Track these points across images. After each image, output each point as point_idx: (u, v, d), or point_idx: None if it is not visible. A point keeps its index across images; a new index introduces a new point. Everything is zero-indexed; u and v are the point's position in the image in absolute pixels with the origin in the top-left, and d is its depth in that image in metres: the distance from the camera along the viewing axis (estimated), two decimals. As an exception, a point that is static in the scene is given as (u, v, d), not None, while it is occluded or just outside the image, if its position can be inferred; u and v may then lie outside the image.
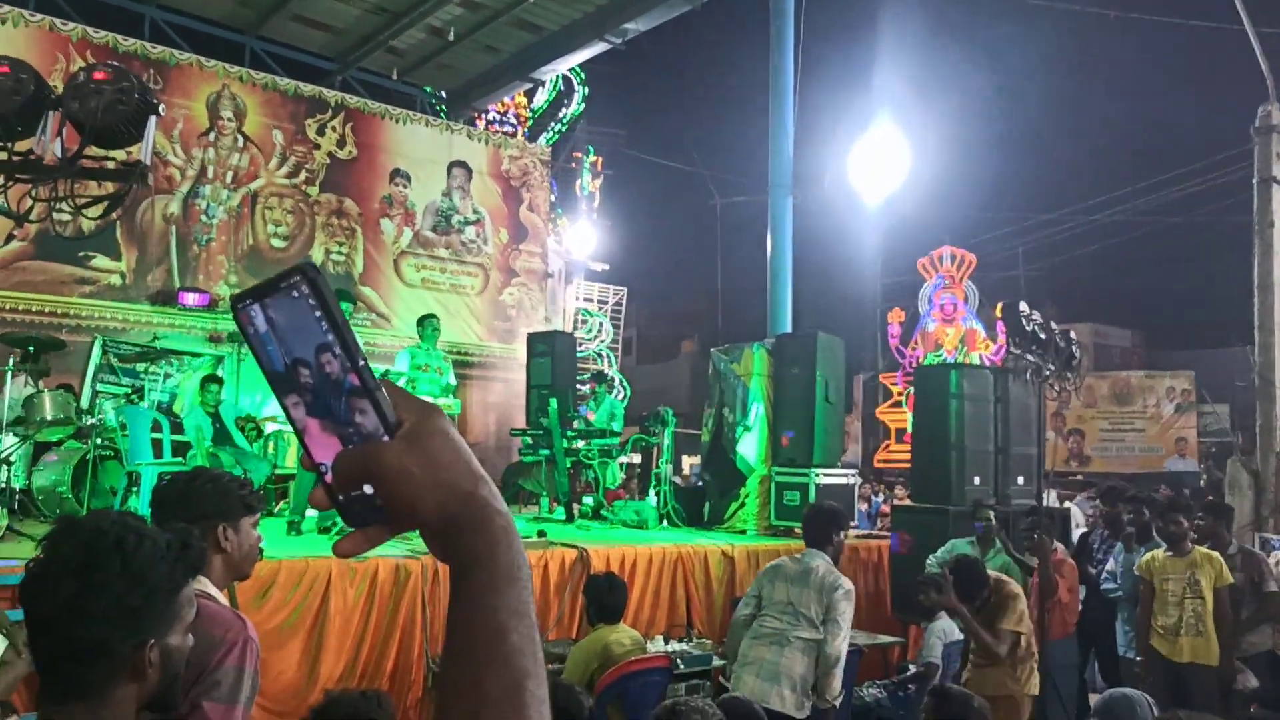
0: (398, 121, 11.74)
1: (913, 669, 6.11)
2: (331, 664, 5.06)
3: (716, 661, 5.40)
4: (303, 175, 10.92)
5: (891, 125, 12.22)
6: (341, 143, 11.20)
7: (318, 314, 0.65)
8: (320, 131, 11.06)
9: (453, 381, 7.75)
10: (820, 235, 18.78)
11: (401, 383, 6.99)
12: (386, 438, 0.67)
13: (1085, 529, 7.55)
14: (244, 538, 2.24)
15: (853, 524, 8.53)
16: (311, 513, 7.08)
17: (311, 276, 0.64)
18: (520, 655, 0.66)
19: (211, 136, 10.42)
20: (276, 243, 10.69)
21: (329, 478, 0.68)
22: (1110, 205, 20.68)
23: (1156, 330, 28.47)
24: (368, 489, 0.67)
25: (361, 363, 0.66)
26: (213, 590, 2.14)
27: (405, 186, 11.70)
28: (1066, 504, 9.37)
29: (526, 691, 0.65)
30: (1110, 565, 6.31)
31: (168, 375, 9.59)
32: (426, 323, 7.79)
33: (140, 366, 8.85)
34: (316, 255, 10.93)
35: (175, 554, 1.35)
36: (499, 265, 12.38)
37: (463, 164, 12.19)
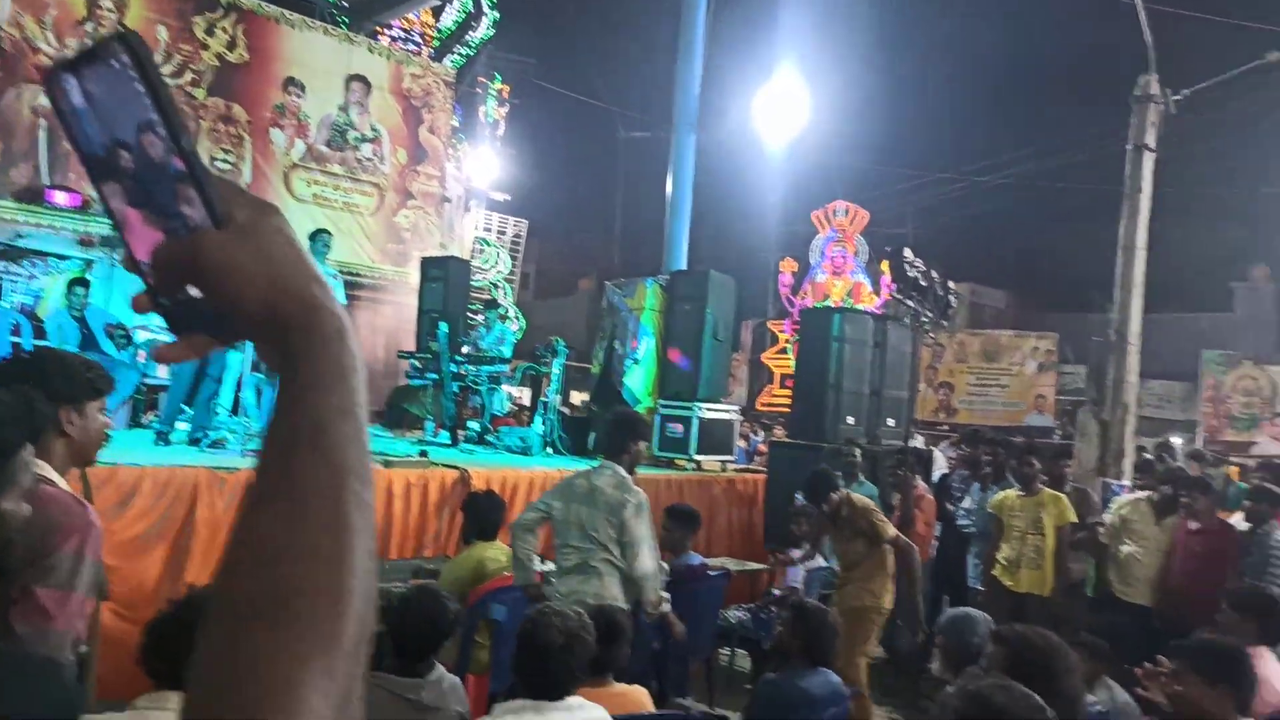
0: (294, 28, 11.19)
1: (777, 593, 6.42)
2: (196, 574, 4.94)
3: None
4: (188, 76, 10.32)
5: (796, 73, 12.34)
6: (232, 45, 10.62)
7: (140, 87, 0.57)
8: (209, 31, 10.45)
9: (341, 299, 7.57)
10: (721, 179, 18.93)
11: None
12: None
13: (947, 471, 8.00)
14: (89, 422, 2.12)
15: (730, 459, 8.81)
16: (182, 425, 6.88)
17: (133, 45, 0.56)
18: (341, 451, 0.58)
19: (89, 27, 9.72)
20: (155, 144, 10.12)
21: (150, 278, 0.60)
22: (995, 169, 21.49)
23: (1028, 292, 29.96)
24: (194, 291, 0.60)
25: (187, 144, 0.58)
26: (53, 475, 2.04)
27: (299, 97, 11.21)
28: (932, 448, 9.88)
29: (348, 489, 0.57)
30: (966, 503, 6.71)
31: (32, 277, 9.06)
32: (318, 238, 7.57)
33: (-1, 265, 8.33)
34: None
35: (16, 414, 1.30)
36: (395, 186, 12.05)
37: (362, 78, 11.73)
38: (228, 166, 10.57)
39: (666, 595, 4.12)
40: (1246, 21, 9.15)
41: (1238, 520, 6.13)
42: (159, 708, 2.28)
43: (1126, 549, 6.02)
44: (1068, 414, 22.67)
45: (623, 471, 4.09)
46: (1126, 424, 7.95)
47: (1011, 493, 6.23)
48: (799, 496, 6.98)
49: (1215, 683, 2.86)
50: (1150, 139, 8.06)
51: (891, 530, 5.28)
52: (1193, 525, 5.88)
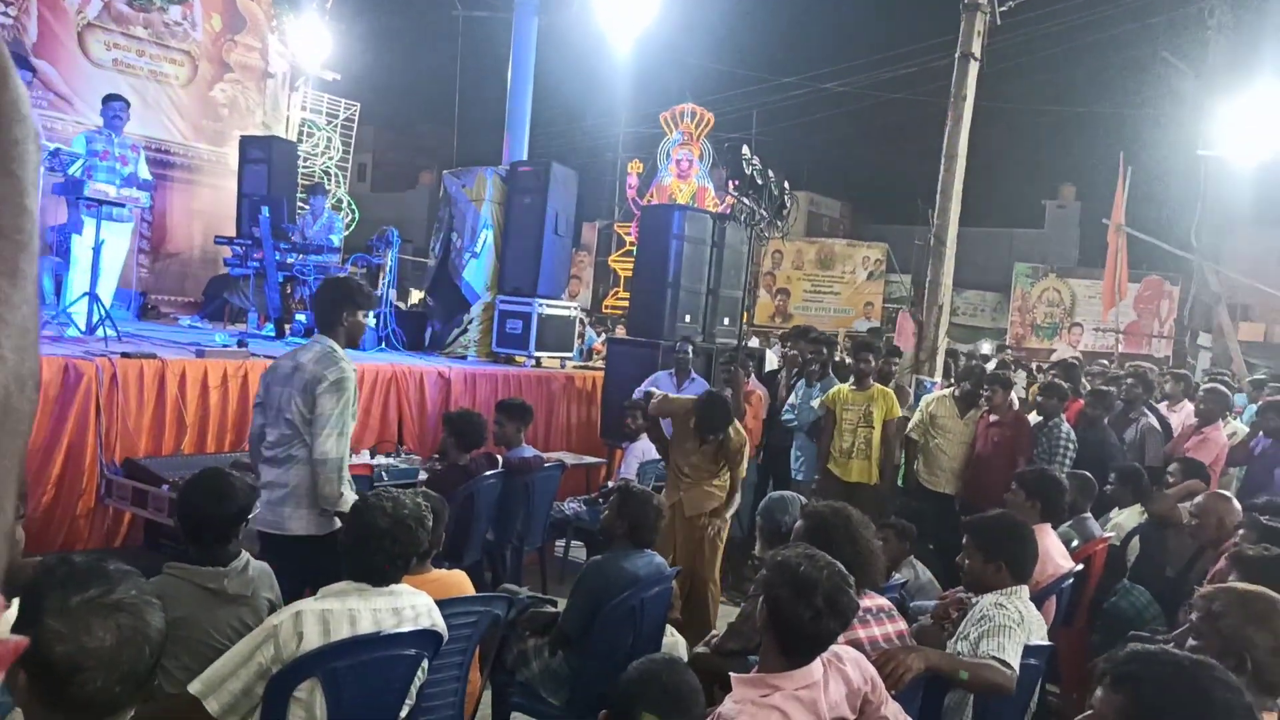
0: None
1: (611, 485, 6.52)
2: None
3: (422, 475, 5.45)
4: (-49, -91, 8.95)
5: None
6: (6, -123, 9.25)
7: None
8: None
9: (145, 174, 6.90)
10: (565, 72, 18.41)
11: (77, 165, 6.15)
12: None
13: (775, 368, 8.28)
14: None
15: (569, 355, 8.79)
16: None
17: None
18: None
19: None
20: (-85, -10, 8.80)
21: None
22: (835, 78, 21.90)
23: (861, 204, 31.16)
24: None
25: None
26: None
27: (93, -54, 9.95)
28: (765, 347, 10.20)
29: None
30: (791, 399, 6.97)
31: None
32: (108, 105, 6.85)
33: None
34: (-28, 14, 9.13)
35: None
36: (209, 56, 10.99)
37: (167, -70, 10.53)
38: (8, 20, 9.32)
39: (350, 492, 3.54)
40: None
41: (1031, 416, 6.65)
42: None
43: (934, 441, 6.45)
44: (892, 320, 23.99)
45: (332, 344, 3.61)
46: (941, 325, 8.44)
47: (845, 387, 6.53)
48: (639, 391, 7.08)
49: (991, 559, 3.10)
50: (976, 48, 8.36)
51: (744, 460, 5.32)
52: (992, 418, 6.34)
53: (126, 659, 1.36)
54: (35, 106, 9.33)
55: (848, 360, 7.73)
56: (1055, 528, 4.37)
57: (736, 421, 5.37)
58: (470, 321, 8.50)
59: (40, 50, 9.59)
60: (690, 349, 7.05)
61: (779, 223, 6.93)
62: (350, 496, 3.51)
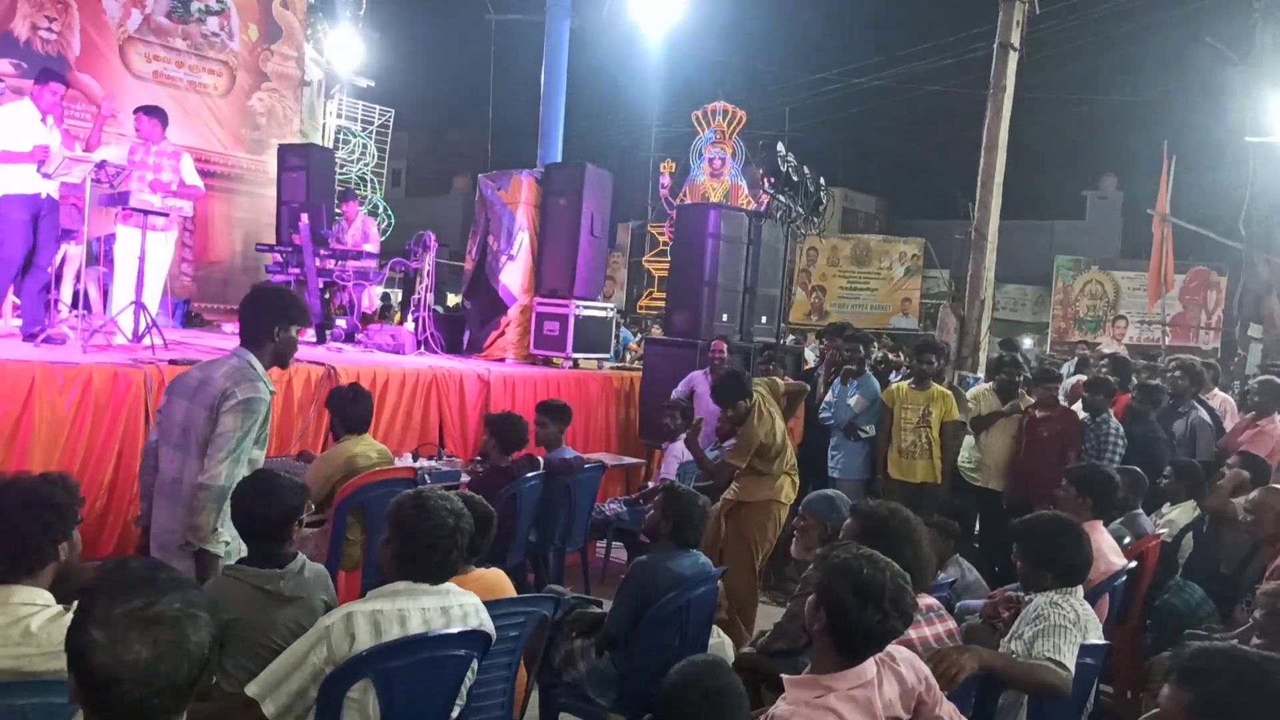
0: (123, -119, 10.03)
1: (651, 485, 6.51)
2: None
3: (464, 478, 5.48)
4: (-2, -71, 9.16)
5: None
6: (50, -103, 9.46)
7: None
8: (20, -122, 9.26)
9: (192, 179, 6.98)
10: (598, 72, 18.45)
11: (124, 174, 6.25)
12: None
13: (812, 366, 8.21)
14: None
15: (607, 356, 8.79)
16: (13, 318, 6.36)
17: None
18: None
19: None
20: (-36, 9, 9.02)
21: None
22: (870, 72, 21.69)
23: (897, 199, 30.86)
24: None
25: None
26: None
27: (133, -39, 10.14)
28: (802, 345, 10.12)
29: None
30: (828, 397, 6.89)
31: None
32: (135, 116, 6.96)
33: None
34: (20, 29, 9.33)
35: None
36: (247, 66, 11.15)
37: (204, -58, 10.70)
38: (52, 36, 9.52)
39: (225, 536, 3.06)
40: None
41: (1078, 410, 6.53)
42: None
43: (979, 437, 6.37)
44: (930, 317, 23.70)
45: (251, 359, 3.18)
46: (983, 320, 8.32)
47: (904, 385, 6.46)
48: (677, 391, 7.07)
49: (1039, 567, 3.03)
50: (1015, 38, 8.23)
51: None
52: (1039, 413, 6.24)
53: (164, 673, 1.35)
54: (78, 119, 9.55)
55: (890, 357, 7.66)
56: (1107, 524, 4.29)
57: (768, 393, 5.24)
58: (508, 324, 8.53)
59: (83, 64, 9.79)
60: (727, 349, 7.01)
61: (815, 219, 6.87)
62: (226, 538, 3.06)
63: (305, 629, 2.49)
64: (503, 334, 8.57)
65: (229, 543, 3.08)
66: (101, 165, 6.05)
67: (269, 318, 3.23)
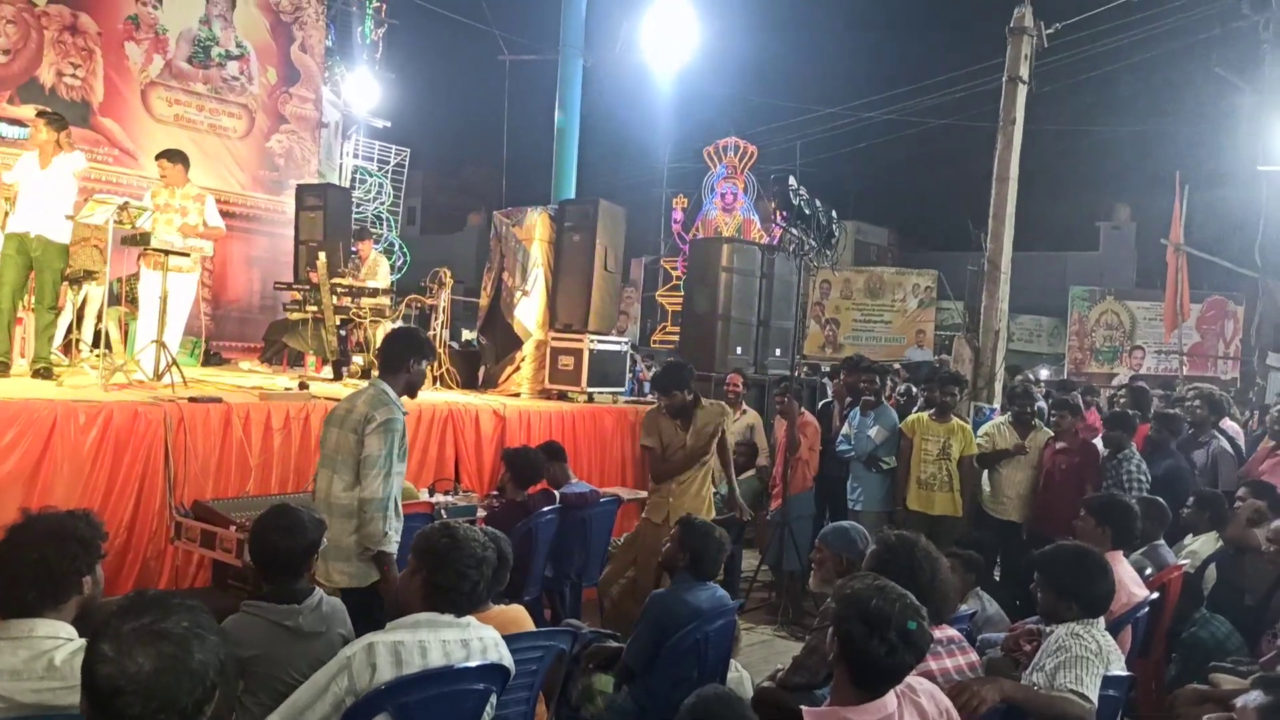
0: (146, -68, 10.31)
1: (667, 519, 6.48)
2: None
3: (480, 512, 5.48)
4: (26, -20, 9.41)
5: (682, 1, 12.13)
6: (76, -52, 9.72)
7: None
8: (49, -68, 9.53)
9: (214, 220, 7.09)
10: (610, 109, 18.68)
11: (144, 217, 6.36)
12: None
13: (829, 399, 8.20)
14: None
15: (621, 390, 8.81)
16: (21, 356, 6.46)
17: None
18: None
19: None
20: (-6, 56, 9.24)
21: None
22: (880, 106, 21.86)
23: (909, 231, 30.94)
24: None
25: None
26: None
27: (156, 8, 10.37)
28: (821, 379, 10.12)
29: None
30: (845, 429, 6.89)
31: None
32: (157, 162, 7.10)
33: None
34: (46, 76, 9.55)
35: None
36: (266, 108, 11.36)
37: (225, -11, 10.95)
38: (76, 82, 9.73)
39: (394, 536, 3.61)
40: (1117, -39, 9.48)
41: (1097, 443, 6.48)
42: (3, 638, 2.12)
43: (998, 468, 6.33)
44: (945, 348, 23.61)
45: (386, 387, 3.72)
46: (998, 351, 8.31)
47: (924, 416, 6.46)
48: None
49: (1063, 597, 3.01)
50: (1024, 71, 8.31)
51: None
52: (1059, 444, 6.20)
53: (164, 687, 1.37)
54: (101, 163, 9.73)
55: (913, 390, 7.65)
56: (1127, 555, 4.25)
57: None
58: (523, 359, 8.57)
59: (106, 109, 10.00)
60: (741, 383, 7.03)
61: (828, 252, 6.92)
62: (395, 539, 3.57)
63: (324, 664, 2.50)
64: (518, 369, 8.61)
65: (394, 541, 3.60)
66: (124, 206, 6.15)
67: (405, 352, 3.81)
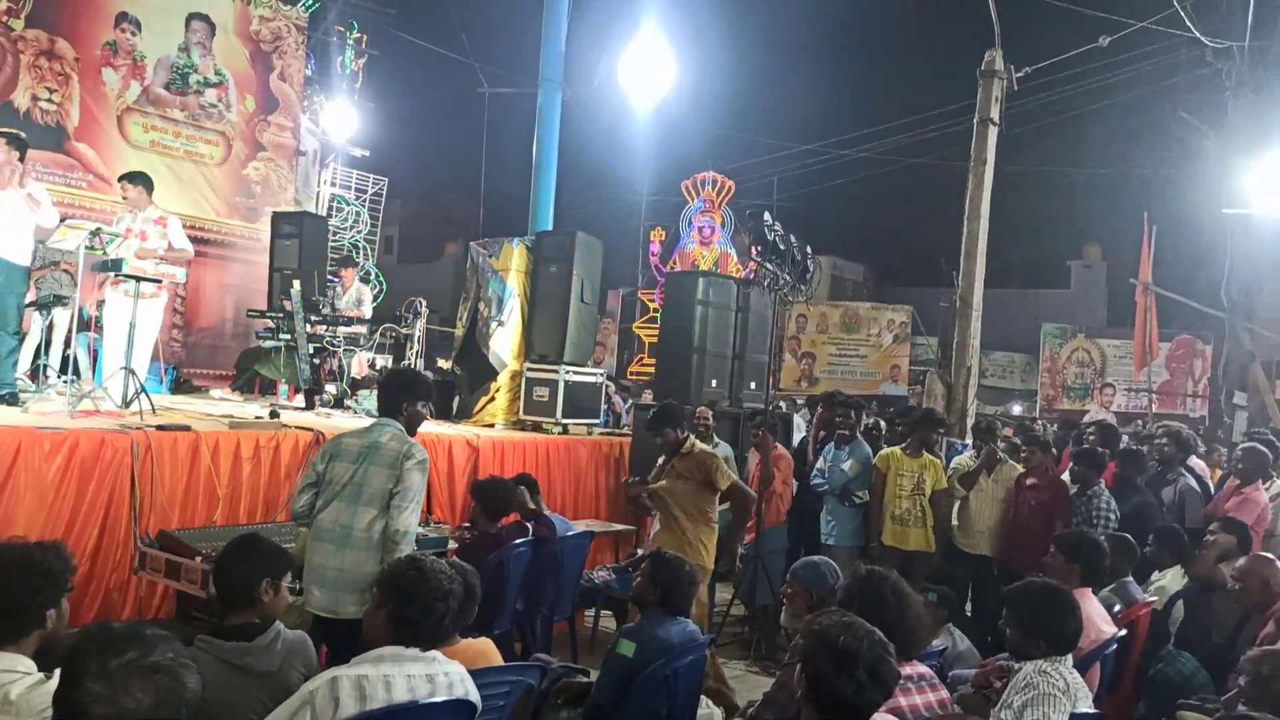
0: (127, -41, 10.35)
1: (640, 552, 6.46)
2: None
3: (451, 544, 5.43)
4: (3, 4, 9.39)
5: (661, 35, 12.30)
6: (56, -28, 9.73)
7: None
8: (28, -43, 9.54)
9: (180, 243, 6.99)
10: (589, 142, 18.80)
11: (114, 243, 6.31)
12: None
13: (805, 435, 8.23)
14: None
15: (596, 422, 8.80)
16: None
17: None
18: None
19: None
20: (-33, 79, 9.21)
21: None
22: (856, 144, 22.17)
23: (884, 267, 31.29)
24: None
25: None
26: None
27: (134, 35, 10.38)
28: (792, 412, 10.15)
29: None
30: (820, 463, 6.91)
31: None
32: (122, 184, 7.02)
33: None
34: (21, 100, 9.51)
35: None
36: (243, 136, 11.35)
37: (204, 17, 10.96)
38: (52, 107, 9.70)
39: None
40: (1084, 8, 9.72)
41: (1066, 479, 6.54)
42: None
43: (968, 504, 6.37)
44: (920, 383, 23.81)
45: (401, 428, 3.88)
46: (970, 387, 8.39)
47: (897, 450, 6.48)
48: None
49: (1030, 635, 3.01)
50: (994, 113, 8.48)
51: (729, 479, 5.31)
52: (1029, 480, 6.25)
53: (164, 719, 1.38)
54: (75, 188, 9.68)
55: (880, 424, 7.70)
56: (1096, 592, 4.27)
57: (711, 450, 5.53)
58: (498, 389, 8.54)
59: (81, 134, 9.97)
60: (711, 415, 7.03)
61: (803, 287, 6.97)
62: None
63: (278, 704, 2.45)
64: (492, 399, 8.57)
65: None
66: (96, 232, 6.10)
67: (398, 396, 3.94)
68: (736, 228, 19.47)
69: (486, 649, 3.20)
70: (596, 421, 8.83)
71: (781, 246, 6.42)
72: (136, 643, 1.45)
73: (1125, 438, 8.40)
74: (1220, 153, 14.95)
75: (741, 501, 5.46)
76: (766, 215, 6.33)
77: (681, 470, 5.26)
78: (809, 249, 6.96)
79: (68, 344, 7.63)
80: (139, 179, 6.96)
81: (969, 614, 6.16)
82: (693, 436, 5.51)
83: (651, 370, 16.64)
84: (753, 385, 8.37)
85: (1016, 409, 24.37)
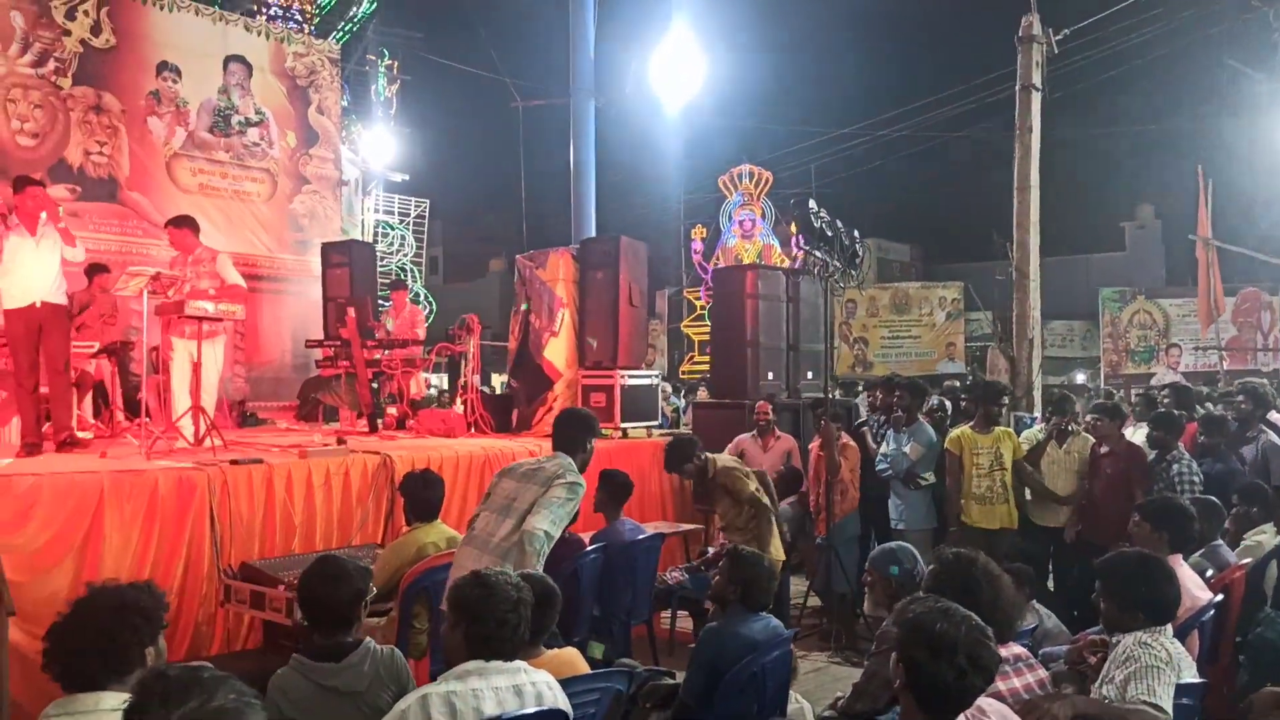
0: (162, 8, 10.58)
1: (711, 551, 6.44)
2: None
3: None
4: (51, 64, 9.69)
5: (689, 33, 12.27)
6: (97, 29, 10.00)
7: None
8: (70, 15, 9.81)
9: (232, 278, 7.10)
10: (624, 146, 18.87)
11: (174, 287, 6.47)
12: None
13: (863, 419, 8.12)
14: None
15: (655, 424, 8.79)
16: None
17: None
18: None
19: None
20: (24, 140, 9.48)
21: None
22: (892, 123, 21.88)
23: (931, 244, 30.81)
24: None
25: None
26: None
27: (175, 82, 10.65)
28: (854, 399, 10.04)
29: None
30: (883, 448, 6.82)
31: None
32: (169, 230, 7.17)
33: None
34: (74, 156, 9.81)
35: None
36: (287, 171, 11.58)
37: (241, 59, 11.20)
38: (103, 160, 9.99)
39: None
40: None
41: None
42: (67, 713, 2.13)
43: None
44: (977, 359, 23.39)
45: (571, 461, 4.05)
46: (1033, 358, 8.21)
47: (967, 430, 6.38)
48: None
49: (1127, 607, 2.92)
50: (1036, 79, 8.30)
51: (750, 487, 5.44)
52: (1103, 449, 6.10)
53: None
54: (131, 236, 9.95)
55: (945, 403, 7.57)
56: (1186, 558, 4.15)
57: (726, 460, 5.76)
58: (555, 399, 8.58)
59: (133, 184, 10.24)
60: (771, 410, 6.99)
61: (853, 272, 6.89)
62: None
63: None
64: (550, 409, 8.61)
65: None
66: (156, 277, 6.26)
67: (584, 434, 4.18)
68: (778, 219, 19.34)
69: (573, 658, 3.21)
70: (655, 423, 8.83)
71: (829, 233, 6.36)
72: (197, 689, 1.44)
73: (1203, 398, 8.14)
74: (1272, 96, 14.47)
75: (759, 512, 5.48)
76: (811, 202, 6.27)
77: (716, 493, 5.56)
78: (856, 233, 6.88)
79: (138, 388, 7.86)
80: (183, 223, 7.10)
81: (1050, 589, 6.03)
82: (711, 457, 5.66)
83: (704, 368, 16.60)
84: (810, 375, 8.31)
85: (1080, 377, 23.81)
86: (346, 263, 9.98)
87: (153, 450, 5.85)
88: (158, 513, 4.96)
